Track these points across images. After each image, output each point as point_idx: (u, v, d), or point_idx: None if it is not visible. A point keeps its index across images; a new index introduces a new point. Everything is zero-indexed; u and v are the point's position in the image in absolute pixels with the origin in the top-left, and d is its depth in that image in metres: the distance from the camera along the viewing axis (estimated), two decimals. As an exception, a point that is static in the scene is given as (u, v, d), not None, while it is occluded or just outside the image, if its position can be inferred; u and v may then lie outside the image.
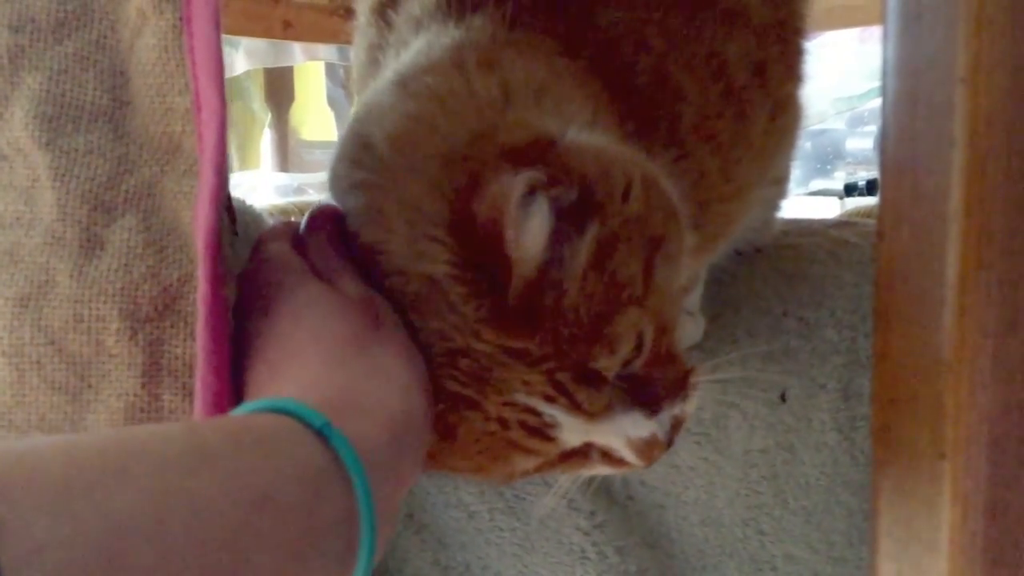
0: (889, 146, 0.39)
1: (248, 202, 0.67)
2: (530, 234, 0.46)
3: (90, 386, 0.49)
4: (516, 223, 0.45)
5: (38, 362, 0.49)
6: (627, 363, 0.50)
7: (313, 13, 1.91)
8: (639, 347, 0.50)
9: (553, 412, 0.49)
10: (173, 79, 0.51)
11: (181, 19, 0.49)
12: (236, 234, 0.62)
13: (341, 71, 2.93)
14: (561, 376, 0.48)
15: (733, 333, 0.74)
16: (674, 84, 0.59)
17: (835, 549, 0.75)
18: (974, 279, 0.35)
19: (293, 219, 0.58)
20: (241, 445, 0.38)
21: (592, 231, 0.48)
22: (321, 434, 0.40)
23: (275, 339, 0.48)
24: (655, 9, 0.60)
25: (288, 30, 1.90)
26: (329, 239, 0.53)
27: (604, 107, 0.56)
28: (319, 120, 3.30)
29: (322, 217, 0.54)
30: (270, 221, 0.71)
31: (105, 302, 0.49)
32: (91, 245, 0.50)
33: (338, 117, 3.08)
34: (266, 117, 2.78)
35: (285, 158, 2.70)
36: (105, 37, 0.52)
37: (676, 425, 0.53)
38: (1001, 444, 0.37)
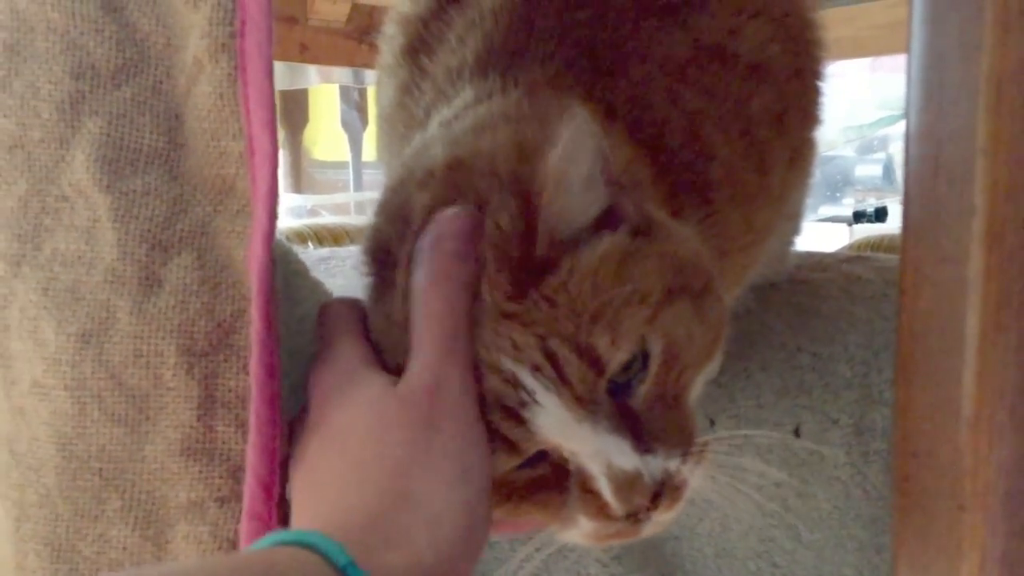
0: (912, 209, 0.40)
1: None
2: (572, 153, 0.45)
3: (148, 418, 0.51)
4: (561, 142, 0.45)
5: (99, 396, 0.51)
6: (628, 381, 0.46)
7: (329, 36, 1.94)
8: (644, 364, 0.46)
9: (535, 385, 0.44)
10: (227, 124, 0.52)
11: (236, 68, 0.51)
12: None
13: (355, 94, 2.96)
14: (554, 343, 0.44)
15: (747, 367, 0.75)
16: (706, 143, 0.60)
17: (846, 582, 0.75)
18: (992, 341, 0.37)
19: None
20: None
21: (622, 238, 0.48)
22: (344, 573, 0.40)
23: (324, 457, 0.48)
24: (687, 66, 0.61)
25: (304, 53, 1.93)
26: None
27: (647, 177, 0.56)
28: (332, 141, 3.33)
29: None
30: (293, 249, 0.72)
31: (163, 338, 0.51)
32: (149, 283, 0.52)
33: (351, 139, 3.10)
34: (280, 138, 2.80)
35: (299, 179, 2.73)
36: (161, 82, 0.54)
37: (668, 483, 0.47)
38: (1017, 497, 0.38)
